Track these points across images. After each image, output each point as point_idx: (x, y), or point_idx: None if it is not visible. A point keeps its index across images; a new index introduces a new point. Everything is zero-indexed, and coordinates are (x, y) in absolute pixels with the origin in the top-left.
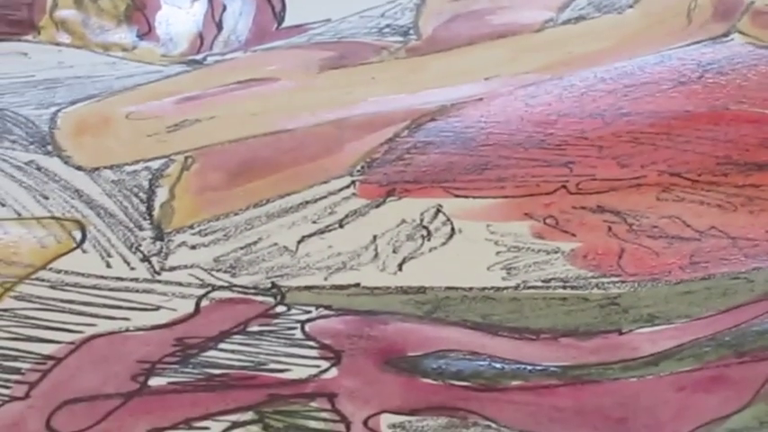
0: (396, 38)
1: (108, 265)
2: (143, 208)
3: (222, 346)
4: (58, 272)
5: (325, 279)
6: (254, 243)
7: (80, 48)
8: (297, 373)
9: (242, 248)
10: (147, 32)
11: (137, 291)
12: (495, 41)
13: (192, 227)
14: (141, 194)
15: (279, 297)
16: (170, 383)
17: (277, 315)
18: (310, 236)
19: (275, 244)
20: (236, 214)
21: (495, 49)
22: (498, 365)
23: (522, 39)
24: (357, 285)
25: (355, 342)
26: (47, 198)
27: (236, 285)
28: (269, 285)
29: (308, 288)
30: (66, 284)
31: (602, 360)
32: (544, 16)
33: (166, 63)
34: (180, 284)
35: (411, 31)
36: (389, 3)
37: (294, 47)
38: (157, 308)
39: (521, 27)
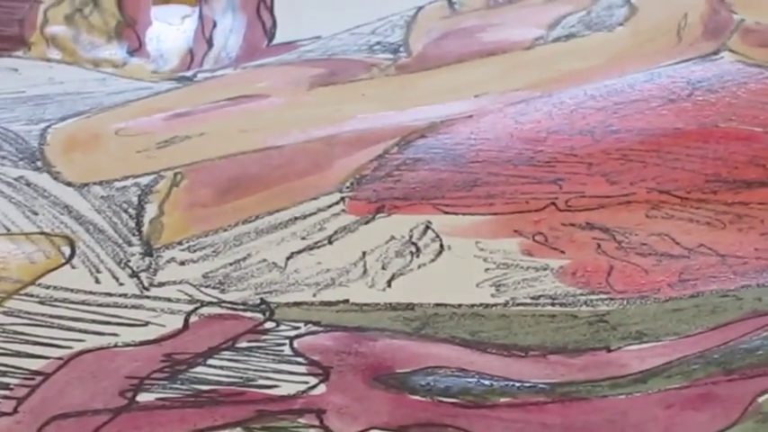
0: (386, 55)
1: (97, 281)
2: (132, 224)
3: (211, 361)
4: (47, 287)
5: (314, 295)
6: (243, 259)
7: (71, 64)
8: (285, 389)
9: (231, 264)
10: (137, 49)
11: (125, 306)
12: (485, 59)
13: (181, 243)
14: (131, 210)
15: (268, 313)
16: (158, 399)
17: (266, 331)
18: (299, 252)
19: (264, 260)
20: (225, 230)
21: (485, 66)
22: (487, 382)
23: (512, 56)
24: (346, 302)
25: (344, 358)
26: (36, 214)
27: (225, 301)
28: (258, 301)
29: (296, 304)
30: (55, 300)
31: (591, 377)
32: (534, 34)
33: (157, 79)
34: (169, 300)
35: (401, 49)
36: (380, 20)
37: (284, 63)
38: (146, 323)
39: (511, 45)
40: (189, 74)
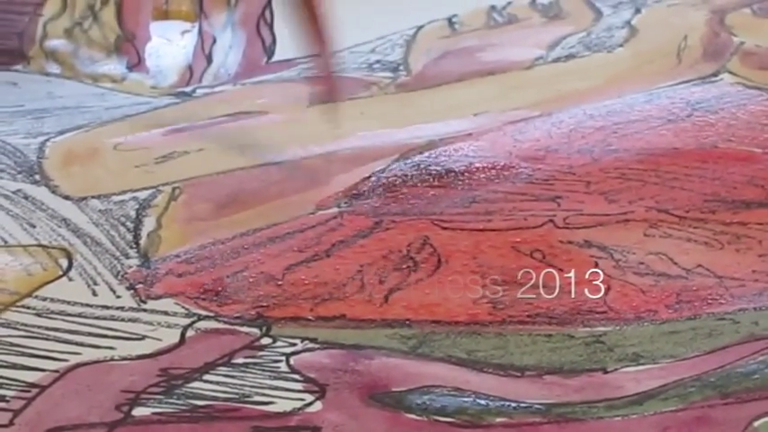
0: (385, 73)
1: (94, 294)
2: (130, 237)
3: (207, 377)
4: (44, 299)
5: (311, 309)
6: (241, 272)
7: (70, 78)
8: (281, 406)
9: (228, 277)
10: (136, 64)
11: (122, 320)
12: (484, 78)
13: (178, 255)
14: (128, 224)
15: (264, 328)
16: (154, 414)
17: (262, 347)
18: (297, 265)
19: (262, 273)
20: (222, 243)
21: (484, 85)
22: (483, 402)
23: (511, 76)
24: (343, 317)
25: (340, 376)
26: (34, 226)
27: (221, 315)
28: (255, 316)
29: (293, 319)
30: (52, 312)
31: (587, 398)
32: (534, 54)
33: (155, 95)
34: (165, 314)
35: (401, 67)
36: (379, 39)
37: (284, 81)
38: (143, 337)
39: (510, 64)
40: (188, 90)
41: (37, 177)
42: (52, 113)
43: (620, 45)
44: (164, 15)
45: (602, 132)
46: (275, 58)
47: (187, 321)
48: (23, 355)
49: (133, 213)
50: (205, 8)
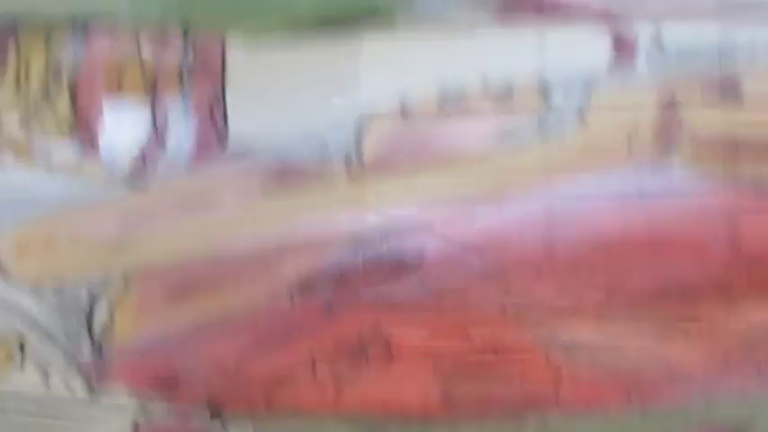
0: (338, 161)
1: (46, 385)
2: (82, 327)
3: None
4: None
5: (264, 400)
6: (194, 362)
7: (23, 166)
8: None
9: (181, 368)
10: (90, 152)
11: (75, 410)
12: (436, 166)
13: (131, 345)
14: (81, 314)
15: (217, 419)
16: None
17: None
18: (250, 355)
19: (215, 363)
20: (175, 333)
21: (435, 173)
22: None
23: (463, 164)
24: (295, 408)
25: None
26: None
27: (174, 406)
28: (208, 407)
29: (246, 410)
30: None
31: None
32: (485, 143)
33: (109, 183)
34: (118, 405)
35: (353, 156)
36: (333, 127)
37: (236, 168)
38: (95, 430)
39: (462, 153)
40: (141, 178)
41: None
42: (4, 203)
43: (572, 134)
44: (117, 96)
45: (553, 220)
46: (228, 145)
47: (140, 412)
48: None
49: (86, 303)
50: (158, 92)
